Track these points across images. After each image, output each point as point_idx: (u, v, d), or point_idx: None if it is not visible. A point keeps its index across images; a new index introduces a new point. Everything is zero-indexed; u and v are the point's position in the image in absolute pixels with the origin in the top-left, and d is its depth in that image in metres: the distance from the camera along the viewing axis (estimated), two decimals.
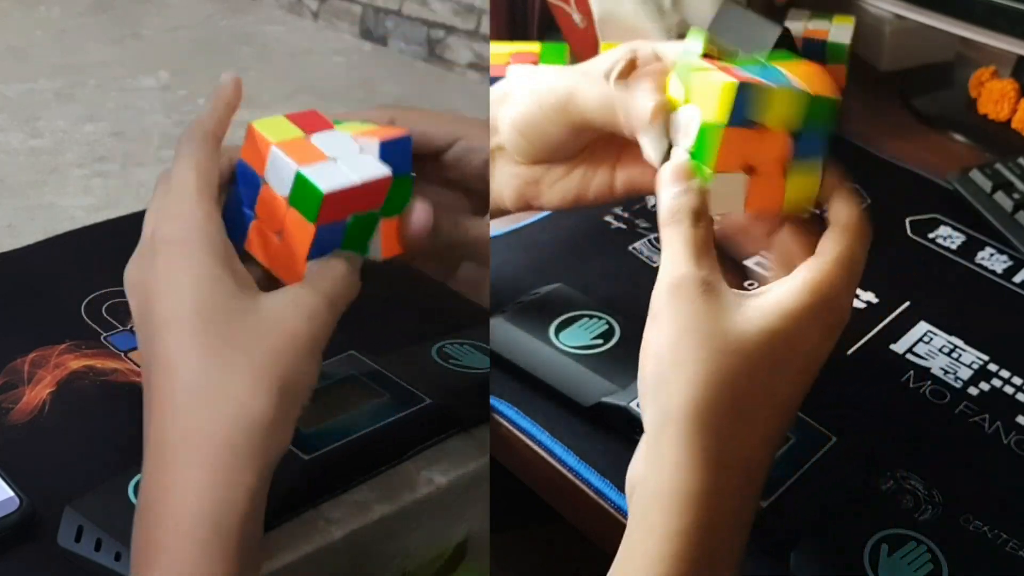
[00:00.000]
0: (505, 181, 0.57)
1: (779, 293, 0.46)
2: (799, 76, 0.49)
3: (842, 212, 0.49)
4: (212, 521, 0.43)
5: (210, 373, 0.45)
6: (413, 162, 0.51)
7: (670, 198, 0.48)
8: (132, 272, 0.49)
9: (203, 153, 0.48)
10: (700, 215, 0.48)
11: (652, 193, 0.53)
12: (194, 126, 0.50)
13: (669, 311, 0.46)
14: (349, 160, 0.49)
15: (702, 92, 0.48)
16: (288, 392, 0.45)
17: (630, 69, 0.52)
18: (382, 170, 0.49)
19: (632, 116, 0.50)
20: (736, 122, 0.47)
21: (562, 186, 0.57)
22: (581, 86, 0.53)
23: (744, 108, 0.47)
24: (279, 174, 0.48)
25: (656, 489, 0.44)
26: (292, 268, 0.49)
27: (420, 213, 0.52)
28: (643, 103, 0.50)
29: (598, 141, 0.56)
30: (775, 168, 0.49)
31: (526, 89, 0.55)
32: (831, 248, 0.48)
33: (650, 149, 0.50)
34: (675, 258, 0.47)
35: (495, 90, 0.56)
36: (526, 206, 0.58)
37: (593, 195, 0.57)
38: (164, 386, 0.45)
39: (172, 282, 0.46)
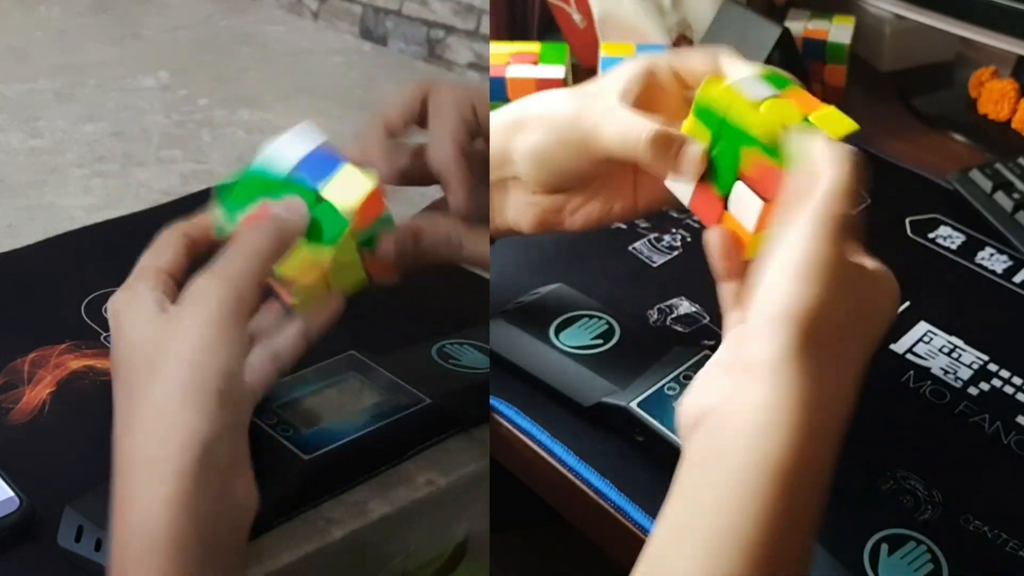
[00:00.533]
0: (522, 210, 0.57)
1: (872, 264, 0.47)
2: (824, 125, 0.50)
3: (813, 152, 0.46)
4: (140, 536, 0.44)
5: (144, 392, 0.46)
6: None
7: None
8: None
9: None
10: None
11: (674, 205, 0.54)
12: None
13: (818, 234, 0.43)
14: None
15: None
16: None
17: (665, 141, 0.51)
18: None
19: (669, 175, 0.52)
20: None
21: (585, 212, 0.57)
22: (605, 122, 0.52)
23: None
24: None
25: (760, 420, 0.41)
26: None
27: (386, 246, 0.53)
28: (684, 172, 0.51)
29: (616, 165, 0.55)
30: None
31: (542, 121, 0.55)
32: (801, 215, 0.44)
33: (679, 194, 0.52)
34: (834, 187, 0.44)
35: (504, 115, 0.56)
36: (547, 231, 0.58)
37: (617, 216, 0.57)
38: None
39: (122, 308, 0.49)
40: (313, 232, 0.50)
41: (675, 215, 0.75)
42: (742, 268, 0.48)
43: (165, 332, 0.47)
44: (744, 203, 0.49)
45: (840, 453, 0.53)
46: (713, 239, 0.49)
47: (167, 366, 0.46)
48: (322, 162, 0.51)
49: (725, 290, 0.49)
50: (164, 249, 0.51)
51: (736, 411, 0.42)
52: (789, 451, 0.41)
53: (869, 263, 0.47)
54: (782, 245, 0.44)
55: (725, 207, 0.50)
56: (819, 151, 0.46)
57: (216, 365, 0.46)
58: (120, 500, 0.45)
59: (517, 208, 0.57)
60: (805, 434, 0.41)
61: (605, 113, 0.53)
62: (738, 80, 0.51)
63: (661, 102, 0.55)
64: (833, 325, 0.43)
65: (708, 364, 0.46)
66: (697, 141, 0.51)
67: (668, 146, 0.51)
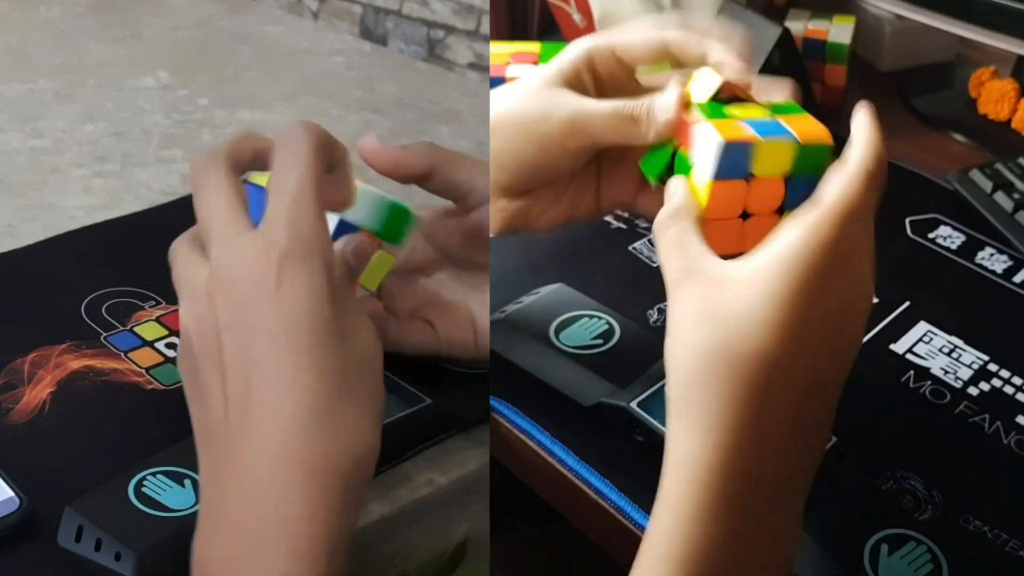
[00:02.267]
0: (490, 215, 0.57)
1: (762, 256, 0.43)
2: (793, 125, 0.49)
3: (855, 146, 0.46)
4: (322, 552, 0.42)
5: (331, 397, 0.43)
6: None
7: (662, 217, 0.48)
8: (193, 313, 0.46)
9: (317, 165, 0.46)
10: (675, 214, 0.47)
11: (636, 204, 0.56)
12: (208, 154, 0.48)
13: (669, 314, 0.45)
14: None
15: (698, 145, 0.48)
16: (380, 423, 0.45)
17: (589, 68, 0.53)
18: None
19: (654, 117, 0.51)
20: (725, 176, 0.47)
21: (550, 215, 0.57)
22: (553, 102, 0.53)
23: (731, 164, 0.47)
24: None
25: (669, 463, 0.44)
26: None
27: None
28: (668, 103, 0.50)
29: (579, 168, 0.56)
30: (768, 210, 0.49)
31: (505, 125, 0.54)
32: (825, 197, 0.43)
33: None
34: (664, 266, 0.46)
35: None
36: (514, 232, 0.58)
37: (582, 215, 0.58)
38: (269, 404, 0.43)
39: (287, 293, 0.43)
40: (390, 232, 0.52)
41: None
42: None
43: (346, 340, 0.45)
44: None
45: (839, 454, 0.53)
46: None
47: (352, 380, 0.44)
48: None
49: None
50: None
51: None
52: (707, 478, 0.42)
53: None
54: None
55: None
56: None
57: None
58: (233, 506, 0.43)
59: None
60: (716, 465, 0.42)
61: (584, 103, 0.53)
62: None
63: (603, 89, 0.55)
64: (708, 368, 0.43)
65: None
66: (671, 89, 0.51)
67: (649, 109, 0.51)
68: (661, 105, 0.51)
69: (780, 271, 0.42)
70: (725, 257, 0.45)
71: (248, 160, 0.49)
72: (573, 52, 0.54)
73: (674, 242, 0.46)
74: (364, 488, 0.45)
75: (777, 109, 0.50)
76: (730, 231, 0.48)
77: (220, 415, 0.44)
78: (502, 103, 0.54)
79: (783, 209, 0.48)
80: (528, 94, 0.54)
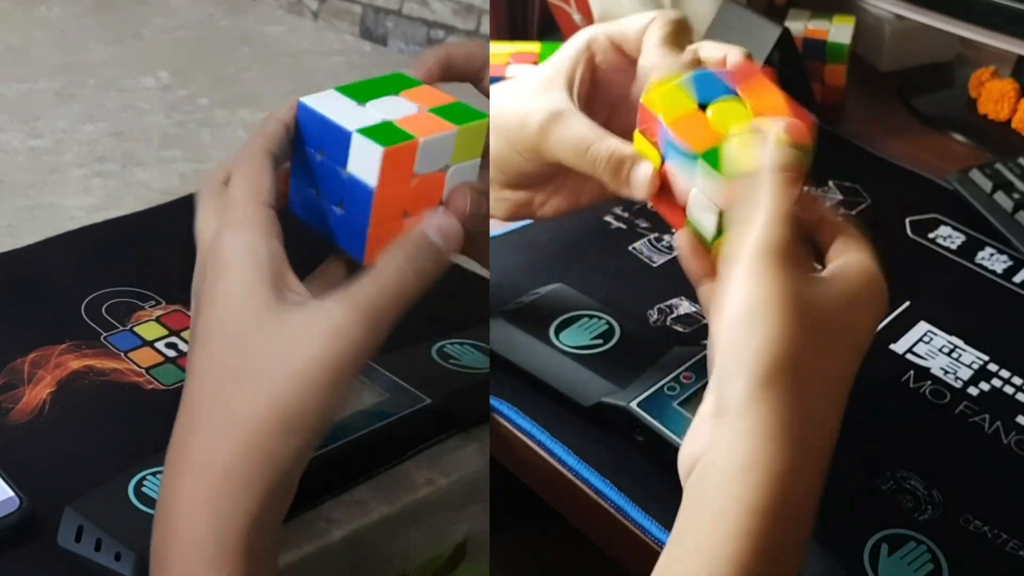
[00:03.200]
0: (493, 204, 0.57)
1: (841, 276, 0.46)
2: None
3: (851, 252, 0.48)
4: (213, 540, 0.42)
5: (224, 393, 0.43)
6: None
7: (772, 152, 0.46)
8: (193, 283, 0.46)
9: (252, 165, 0.45)
10: (798, 178, 0.46)
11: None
12: (247, 143, 0.46)
13: (750, 276, 0.44)
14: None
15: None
16: (296, 422, 0.42)
17: (617, 164, 0.52)
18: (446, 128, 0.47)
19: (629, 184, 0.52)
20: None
21: (554, 203, 0.58)
22: (556, 134, 0.53)
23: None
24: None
25: (734, 464, 0.42)
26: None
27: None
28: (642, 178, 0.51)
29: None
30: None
31: (494, 126, 0.54)
32: (860, 245, 0.47)
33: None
34: (769, 218, 0.44)
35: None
36: (519, 220, 0.58)
37: (586, 204, 0.58)
38: (185, 398, 0.44)
39: (210, 293, 0.43)
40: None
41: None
42: (713, 267, 0.48)
43: (276, 335, 0.43)
44: (701, 209, 0.49)
45: (839, 453, 0.53)
46: (680, 241, 0.49)
47: (267, 381, 0.42)
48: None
49: (702, 292, 0.49)
50: (258, 173, 0.45)
51: (714, 457, 0.43)
52: (763, 490, 0.41)
53: (846, 266, 0.47)
54: (729, 287, 0.44)
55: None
56: (756, 175, 0.46)
57: (322, 402, 0.43)
58: (166, 492, 0.44)
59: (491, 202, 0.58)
60: (779, 471, 0.41)
61: (554, 120, 0.53)
62: (687, 79, 0.51)
63: (607, 80, 0.55)
64: (796, 356, 0.42)
65: (698, 412, 0.46)
66: (646, 161, 0.51)
67: (620, 168, 0.51)
68: (640, 179, 0.51)
69: (865, 283, 0.46)
70: None
71: (284, 140, 0.47)
72: (573, 47, 0.55)
73: (784, 206, 0.45)
74: (265, 484, 0.42)
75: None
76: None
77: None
78: (496, 103, 0.55)
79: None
80: (519, 93, 0.54)
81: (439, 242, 0.46)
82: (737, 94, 0.50)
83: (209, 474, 0.42)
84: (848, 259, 0.47)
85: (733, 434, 0.42)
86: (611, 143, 0.52)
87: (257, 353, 0.42)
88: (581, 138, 0.52)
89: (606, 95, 0.56)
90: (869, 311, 0.46)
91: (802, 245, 0.46)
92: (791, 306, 0.43)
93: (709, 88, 0.50)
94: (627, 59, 0.55)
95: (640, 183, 0.51)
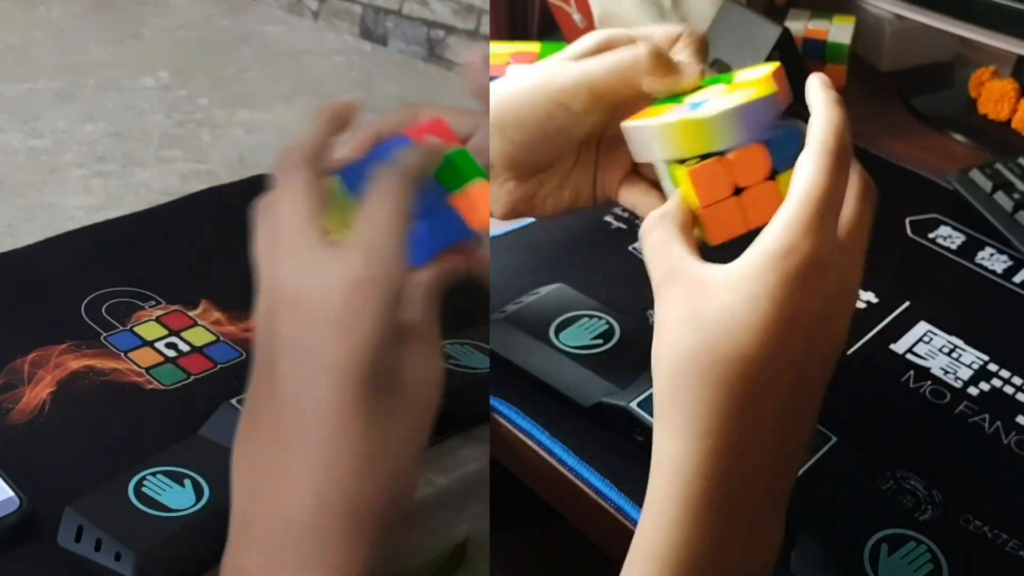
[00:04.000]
0: (494, 198, 0.57)
1: (743, 258, 0.43)
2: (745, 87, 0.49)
3: (812, 127, 0.45)
4: None
5: (376, 434, 0.41)
6: None
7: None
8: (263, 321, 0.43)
9: (307, 183, 0.43)
10: (660, 219, 0.48)
11: (620, 202, 0.57)
12: (289, 151, 0.44)
13: (654, 317, 0.46)
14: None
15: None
16: (420, 459, 0.43)
17: (661, 55, 0.52)
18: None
19: (631, 60, 0.51)
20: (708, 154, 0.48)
21: (555, 199, 0.58)
22: (557, 68, 0.53)
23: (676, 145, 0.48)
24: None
25: (653, 465, 0.45)
26: None
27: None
28: (642, 47, 0.51)
29: (582, 150, 0.57)
30: (759, 179, 0.48)
31: (511, 97, 0.54)
32: (794, 189, 0.43)
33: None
34: (649, 271, 0.47)
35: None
36: (520, 216, 0.58)
37: (585, 202, 0.58)
38: (317, 440, 0.41)
39: (353, 326, 0.40)
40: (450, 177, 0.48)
41: None
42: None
43: (398, 373, 0.42)
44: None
45: (839, 454, 0.53)
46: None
47: (400, 414, 0.42)
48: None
49: None
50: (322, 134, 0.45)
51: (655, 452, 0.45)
52: (683, 482, 0.43)
53: (748, 262, 0.44)
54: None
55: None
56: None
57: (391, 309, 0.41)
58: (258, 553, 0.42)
59: (491, 197, 0.57)
60: (691, 466, 0.43)
61: (559, 64, 0.53)
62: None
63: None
64: (695, 358, 0.43)
65: None
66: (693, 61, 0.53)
67: (663, 58, 0.52)
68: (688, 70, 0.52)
69: (760, 273, 0.42)
70: (736, 239, 0.45)
71: (329, 151, 0.46)
72: (593, 38, 0.55)
73: (658, 245, 0.47)
74: (399, 524, 0.43)
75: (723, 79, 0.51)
76: (730, 212, 0.48)
77: (268, 432, 0.42)
78: (514, 80, 0.55)
79: (775, 173, 0.48)
80: (539, 66, 0.55)
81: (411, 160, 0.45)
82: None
83: (353, 524, 0.41)
84: (761, 239, 0.44)
85: (658, 432, 0.45)
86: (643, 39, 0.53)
87: (399, 394, 0.42)
88: (617, 55, 0.52)
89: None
90: (792, 291, 0.42)
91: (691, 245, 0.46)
92: (675, 328, 0.44)
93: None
94: None
95: (690, 72, 0.52)
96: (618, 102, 0.54)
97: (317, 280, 0.41)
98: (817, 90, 0.47)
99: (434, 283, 0.46)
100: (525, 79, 0.54)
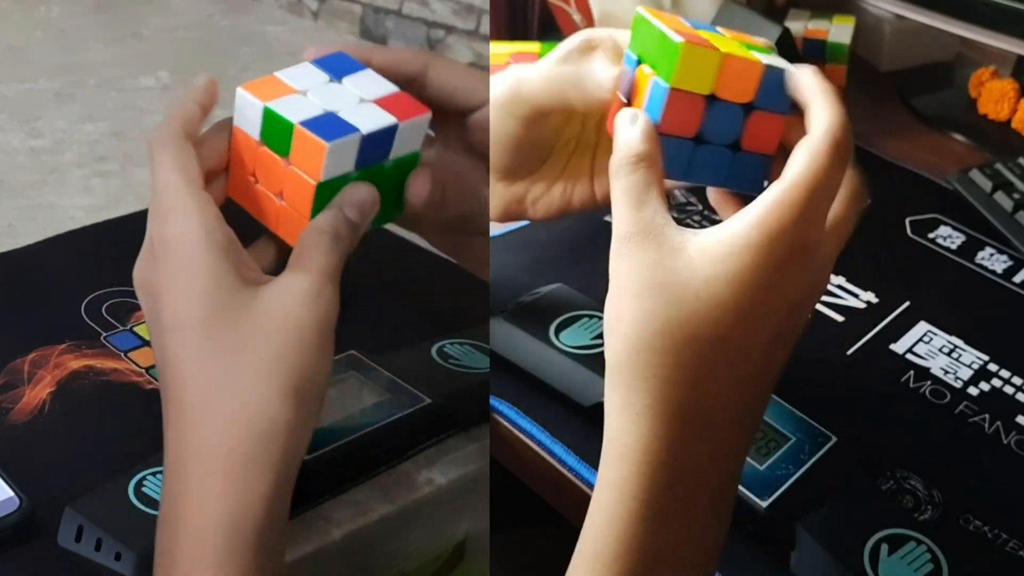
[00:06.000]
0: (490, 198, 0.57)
1: (725, 230, 0.41)
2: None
3: (817, 118, 0.43)
4: (228, 531, 0.42)
5: (219, 378, 0.43)
6: (440, 120, 0.51)
7: (614, 154, 0.45)
8: (139, 274, 0.47)
9: (178, 150, 0.46)
10: (639, 160, 0.45)
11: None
12: (163, 125, 0.47)
13: (613, 269, 0.43)
14: (353, 112, 0.47)
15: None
16: (301, 391, 0.44)
17: (586, 49, 0.51)
18: (387, 119, 0.47)
19: (591, 85, 0.50)
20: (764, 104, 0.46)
21: (546, 201, 0.57)
22: (523, 75, 0.52)
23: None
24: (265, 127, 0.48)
25: (606, 439, 0.43)
26: (298, 232, 0.47)
27: (420, 181, 0.50)
28: (600, 71, 0.49)
29: (573, 155, 0.56)
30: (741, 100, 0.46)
31: (512, 88, 0.54)
32: (790, 172, 0.41)
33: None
34: (616, 213, 0.44)
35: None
36: (513, 220, 0.58)
37: (577, 206, 0.57)
38: (175, 393, 0.44)
39: (173, 283, 0.44)
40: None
41: (675, 215, 0.75)
42: None
43: (257, 312, 0.44)
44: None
45: (839, 453, 0.53)
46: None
47: (248, 351, 0.43)
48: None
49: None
50: (185, 158, 0.46)
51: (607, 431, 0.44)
52: (621, 465, 0.42)
53: (724, 236, 0.42)
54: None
55: None
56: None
57: (318, 364, 0.45)
58: (171, 487, 0.44)
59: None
60: (636, 447, 0.42)
61: (526, 69, 0.53)
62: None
63: None
64: (648, 336, 0.41)
65: None
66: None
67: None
68: (597, 81, 0.50)
69: (743, 250, 0.40)
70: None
71: (200, 122, 0.48)
72: (575, 40, 0.55)
73: (633, 191, 0.44)
74: (278, 466, 0.43)
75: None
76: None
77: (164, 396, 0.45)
78: (510, 76, 0.54)
79: (752, 107, 0.46)
80: (506, 72, 0.54)
81: (353, 216, 0.47)
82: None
83: (222, 463, 0.43)
84: (750, 208, 0.42)
85: (615, 409, 0.43)
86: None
87: (241, 334, 0.43)
88: (549, 72, 0.52)
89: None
90: (772, 268, 0.41)
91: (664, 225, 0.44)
92: (643, 296, 0.41)
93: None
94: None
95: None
96: (569, 113, 0.53)
97: (173, 231, 0.45)
98: (815, 81, 0.45)
99: (329, 226, 0.47)
100: (494, 83, 0.54)
